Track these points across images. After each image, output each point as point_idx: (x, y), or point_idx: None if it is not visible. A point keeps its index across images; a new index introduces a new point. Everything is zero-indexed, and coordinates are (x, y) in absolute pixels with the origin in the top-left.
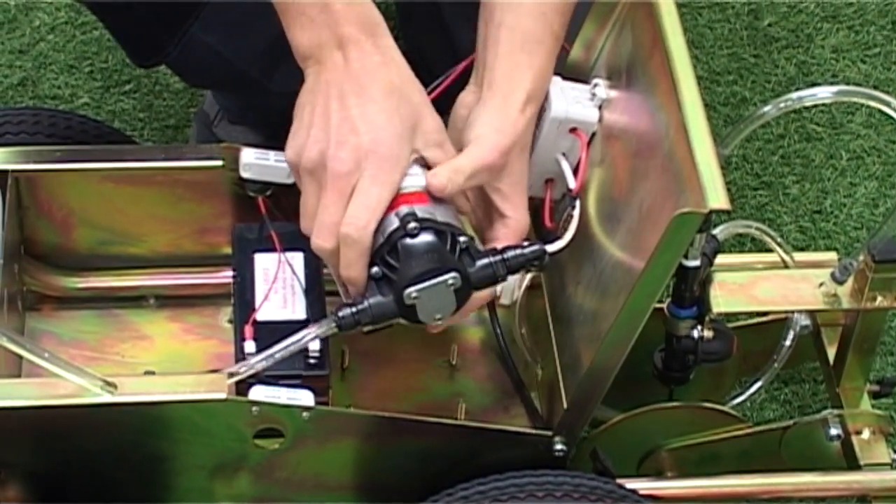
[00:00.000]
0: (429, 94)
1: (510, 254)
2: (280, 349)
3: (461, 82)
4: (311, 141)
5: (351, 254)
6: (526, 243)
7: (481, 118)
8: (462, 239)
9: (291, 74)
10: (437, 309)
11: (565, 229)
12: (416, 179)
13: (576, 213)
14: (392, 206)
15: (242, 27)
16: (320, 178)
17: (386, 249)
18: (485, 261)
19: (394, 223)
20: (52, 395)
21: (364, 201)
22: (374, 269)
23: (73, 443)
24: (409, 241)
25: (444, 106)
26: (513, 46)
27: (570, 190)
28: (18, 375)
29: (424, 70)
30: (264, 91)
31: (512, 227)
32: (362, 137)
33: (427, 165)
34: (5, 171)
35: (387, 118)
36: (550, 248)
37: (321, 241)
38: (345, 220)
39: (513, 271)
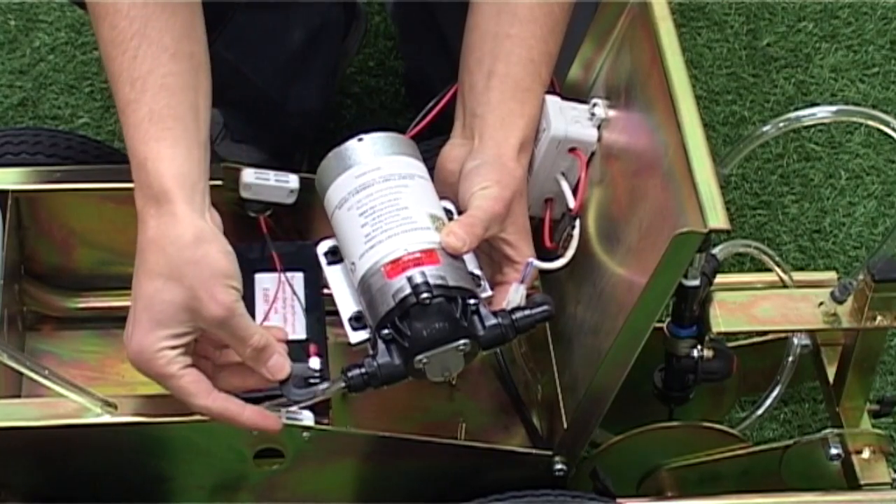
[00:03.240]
0: (411, 131)
1: (519, 315)
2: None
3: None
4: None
5: (225, 421)
6: (535, 305)
7: (480, 171)
8: (472, 302)
9: (306, 93)
10: (446, 368)
11: (565, 248)
12: (428, 235)
13: (575, 232)
14: (403, 267)
15: (262, 44)
16: None
17: (397, 314)
18: (494, 322)
19: (406, 289)
20: (52, 416)
21: (177, 396)
22: (385, 332)
23: (73, 463)
24: (420, 308)
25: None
26: (504, 95)
27: (569, 209)
28: (18, 396)
29: (424, 87)
30: (278, 109)
31: (521, 270)
32: (127, 329)
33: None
34: (5, 192)
35: (143, 306)
36: (550, 265)
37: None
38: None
39: (521, 332)
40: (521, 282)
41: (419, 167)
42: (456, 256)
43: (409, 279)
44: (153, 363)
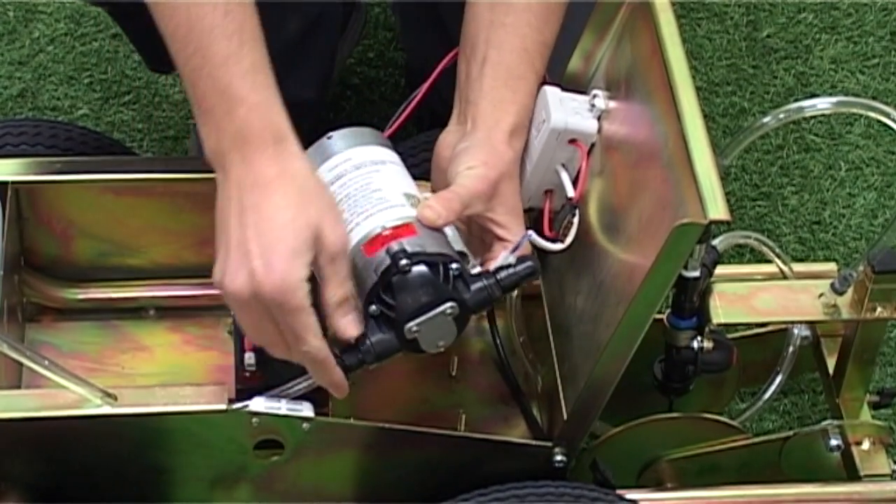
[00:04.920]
0: (388, 128)
1: (503, 274)
2: (284, 391)
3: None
4: (216, 267)
5: (320, 367)
6: (516, 261)
7: (469, 152)
8: (454, 266)
9: (301, 83)
10: (439, 337)
11: (565, 236)
12: (404, 211)
13: (575, 220)
14: (381, 242)
15: None
16: (230, 302)
17: (381, 288)
18: (479, 284)
19: (385, 261)
20: (52, 407)
21: (293, 332)
22: (372, 308)
23: (72, 454)
24: (401, 277)
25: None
26: (496, 82)
27: (569, 199)
28: (18, 387)
29: (425, 78)
30: None
31: (512, 249)
32: (254, 263)
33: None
34: (5, 183)
35: (277, 237)
36: (549, 245)
37: (280, 354)
38: (299, 356)
39: (507, 290)
40: (513, 251)
41: (390, 154)
42: (435, 229)
43: (388, 251)
44: (297, 293)
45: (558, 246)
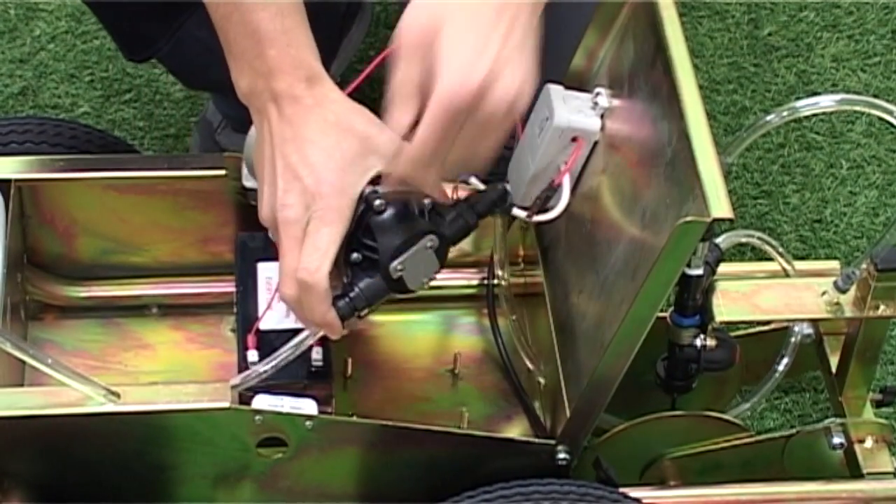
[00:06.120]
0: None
1: (474, 199)
2: (282, 354)
3: None
4: (265, 200)
5: (311, 298)
6: (488, 188)
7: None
8: (426, 201)
9: None
10: (423, 273)
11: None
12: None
13: (566, 187)
14: None
15: None
16: (279, 231)
17: (360, 232)
18: (453, 213)
19: (360, 206)
20: (55, 404)
21: (314, 243)
22: (354, 256)
23: (75, 452)
24: (378, 218)
25: None
26: None
27: (551, 182)
28: (21, 385)
29: None
30: None
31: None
32: (306, 181)
33: None
34: (8, 181)
35: (327, 155)
36: (544, 216)
37: (285, 289)
38: (299, 267)
39: (482, 216)
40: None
41: None
42: None
43: (361, 196)
44: (346, 201)
45: (551, 215)
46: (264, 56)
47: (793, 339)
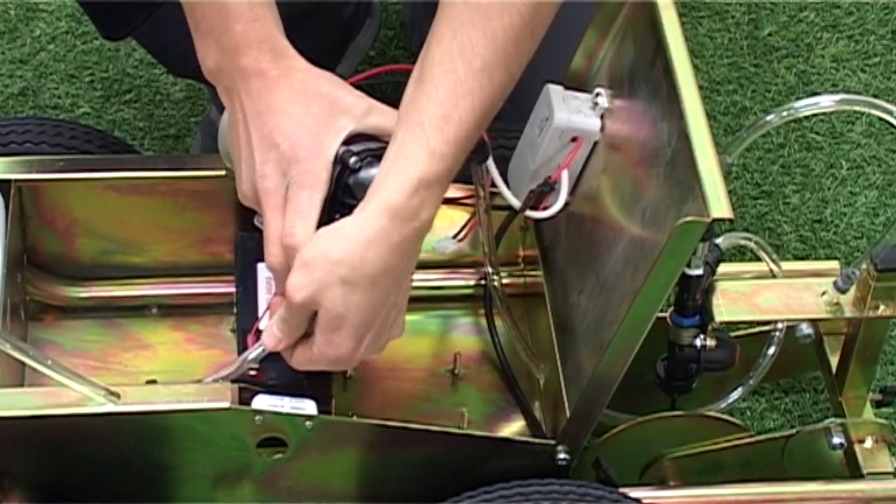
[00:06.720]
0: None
1: None
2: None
3: None
4: (244, 177)
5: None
6: None
7: None
8: None
9: None
10: None
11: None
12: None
13: (564, 183)
14: None
15: None
16: (261, 202)
17: (340, 193)
18: None
19: (336, 168)
20: (55, 405)
21: (296, 207)
22: (338, 217)
23: (75, 452)
24: (356, 176)
25: None
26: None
27: (548, 178)
28: (21, 386)
29: None
30: None
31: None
32: (281, 147)
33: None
34: (8, 181)
35: (298, 121)
36: (542, 213)
37: (270, 257)
38: (283, 233)
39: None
40: None
41: None
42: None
43: (336, 156)
44: (321, 161)
45: (550, 212)
46: (230, 31)
47: (777, 335)
